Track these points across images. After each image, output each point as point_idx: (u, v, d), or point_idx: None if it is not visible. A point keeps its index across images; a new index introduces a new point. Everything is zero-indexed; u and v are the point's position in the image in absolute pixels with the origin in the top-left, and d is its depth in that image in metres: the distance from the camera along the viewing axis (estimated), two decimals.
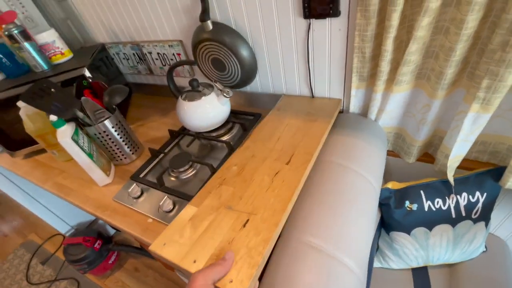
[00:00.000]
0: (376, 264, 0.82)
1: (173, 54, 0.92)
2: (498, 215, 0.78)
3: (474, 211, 0.67)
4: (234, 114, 0.88)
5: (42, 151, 0.97)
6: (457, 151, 0.63)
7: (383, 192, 0.69)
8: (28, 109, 0.79)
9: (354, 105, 0.73)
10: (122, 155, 0.79)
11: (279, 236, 0.53)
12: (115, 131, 0.75)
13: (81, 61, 0.91)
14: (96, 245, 1.30)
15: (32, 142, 0.91)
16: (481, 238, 0.70)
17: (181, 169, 0.71)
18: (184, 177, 0.71)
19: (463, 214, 0.67)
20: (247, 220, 0.49)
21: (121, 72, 1.14)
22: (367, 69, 0.63)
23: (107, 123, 0.73)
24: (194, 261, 0.44)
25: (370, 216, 0.56)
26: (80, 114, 0.68)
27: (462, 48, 0.50)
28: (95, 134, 0.73)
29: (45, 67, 0.89)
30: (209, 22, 0.71)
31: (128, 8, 0.88)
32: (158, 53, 0.95)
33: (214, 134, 0.81)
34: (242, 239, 0.46)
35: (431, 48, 0.56)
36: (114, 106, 0.76)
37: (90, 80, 0.81)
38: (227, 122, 0.81)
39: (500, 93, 0.50)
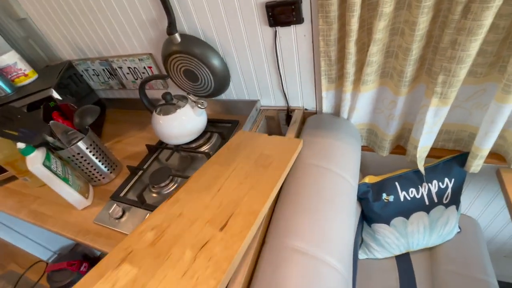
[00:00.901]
0: (362, 256, 0.85)
1: (144, 68, 0.91)
2: (467, 197, 0.84)
3: (445, 196, 0.72)
4: (211, 123, 0.88)
5: (13, 178, 0.92)
6: (424, 142, 0.66)
7: (361, 187, 0.72)
8: None
9: (327, 106, 0.76)
10: (100, 175, 0.77)
11: (263, 243, 0.54)
12: (90, 152, 0.73)
13: (47, 82, 0.88)
14: (82, 268, 1.26)
15: (1, 169, 0.87)
16: (454, 220, 0.75)
17: (162, 184, 0.70)
18: (166, 191, 0.71)
19: (435, 200, 0.72)
20: None
21: (92, 88, 1.10)
22: (334, 71, 0.66)
23: (81, 144, 0.71)
24: None
25: (349, 213, 0.58)
26: (50, 139, 0.66)
27: (417, 47, 0.53)
28: (69, 157, 0.71)
29: (8, 90, 0.85)
30: (176, 35, 0.71)
31: (92, 23, 0.86)
32: (128, 67, 0.94)
33: (193, 145, 0.81)
34: None
35: (390, 48, 0.59)
36: (86, 127, 0.74)
37: (58, 102, 0.78)
38: (205, 132, 0.81)
39: (455, 87, 0.54)
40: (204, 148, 0.81)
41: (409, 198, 0.72)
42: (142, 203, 0.67)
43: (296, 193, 0.58)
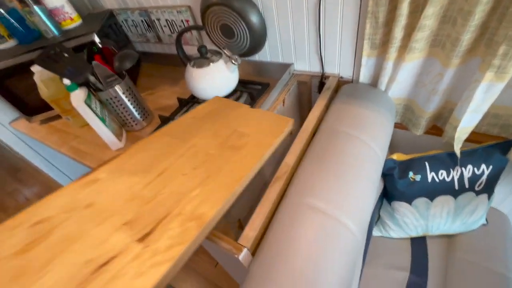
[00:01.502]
0: (377, 233, 0.85)
1: (182, 21, 0.90)
2: (503, 190, 0.79)
3: (478, 183, 0.68)
4: (242, 83, 0.88)
5: (57, 117, 1.00)
6: (466, 123, 0.62)
7: (388, 163, 0.70)
8: (42, 74, 0.81)
9: (364, 75, 0.72)
10: (133, 121, 0.82)
11: (282, 198, 0.55)
12: (126, 97, 0.77)
13: (90, 27, 0.91)
14: None
15: (47, 108, 0.94)
16: (482, 210, 0.71)
17: None
18: None
19: (466, 186, 0.68)
20: None
21: (130, 40, 1.13)
22: (379, 36, 0.61)
23: (118, 88, 0.74)
24: None
25: (372, 183, 0.57)
26: (92, 79, 0.70)
27: (481, 11, 0.47)
28: (107, 100, 0.75)
29: (55, 32, 0.90)
30: None
31: None
32: (166, 20, 0.94)
33: None
34: None
35: (448, 12, 0.53)
36: (124, 72, 0.77)
37: (101, 45, 0.81)
38: (235, 90, 0.81)
39: None
40: None
41: (437, 180, 0.69)
42: None
43: (320, 154, 0.57)
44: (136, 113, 0.81)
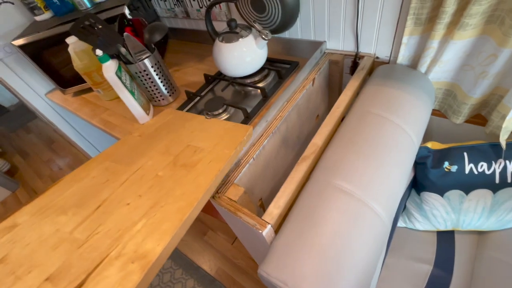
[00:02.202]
0: (400, 223, 0.82)
1: None
2: None
3: None
4: (270, 62, 0.85)
5: (89, 90, 1.04)
6: None
7: (421, 151, 0.66)
8: (76, 46, 0.83)
9: (403, 55, 0.67)
10: (160, 95, 0.82)
11: (308, 179, 0.54)
12: (154, 71, 0.77)
13: (121, 0, 0.91)
14: None
15: (80, 80, 0.98)
16: None
17: (216, 112, 0.73)
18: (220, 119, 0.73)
19: (509, 180, 0.63)
20: None
21: (158, 15, 1.12)
22: (427, 10, 0.56)
23: (147, 62, 0.75)
24: None
25: (404, 169, 0.54)
26: (123, 50, 0.70)
27: None
28: (136, 73, 0.76)
29: (88, 4, 0.91)
30: None
31: None
32: None
33: (248, 80, 0.80)
34: None
35: None
36: (153, 46, 0.77)
37: (132, 16, 0.81)
38: (262, 68, 0.79)
39: None
40: (260, 85, 0.80)
41: (476, 172, 0.64)
42: None
43: (351, 136, 0.55)
44: (163, 88, 0.82)
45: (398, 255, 0.77)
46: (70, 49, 0.83)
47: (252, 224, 0.47)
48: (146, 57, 0.74)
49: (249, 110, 0.71)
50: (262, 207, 0.71)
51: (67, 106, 1.03)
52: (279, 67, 0.83)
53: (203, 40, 1.07)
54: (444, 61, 0.61)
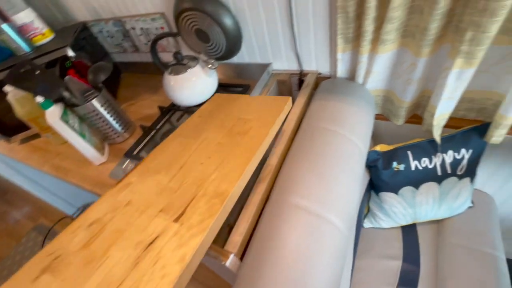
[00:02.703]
0: (368, 224, 0.86)
1: (156, 28, 0.89)
2: (486, 171, 0.80)
3: (460, 167, 0.69)
4: (222, 86, 0.87)
5: (37, 135, 0.98)
6: (442, 109, 0.63)
7: (371, 155, 0.71)
8: (16, 93, 0.79)
9: (341, 70, 0.72)
10: (115, 133, 0.80)
11: (267, 200, 0.55)
12: (105, 109, 0.75)
13: (63, 41, 0.89)
14: None
15: (26, 127, 0.92)
16: (466, 193, 0.73)
17: None
18: None
19: (449, 171, 0.69)
20: None
21: (106, 51, 1.11)
22: (351, 30, 0.62)
23: (95, 102, 0.73)
24: None
25: (356, 177, 0.58)
26: (66, 94, 0.68)
27: None
28: (85, 114, 0.74)
29: (27, 49, 0.88)
30: None
31: None
32: (141, 28, 0.93)
33: None
34: None
35: (415, 2, 0.54)
36: (100, 85, 0.75)
37: (74, 59, 0.80)
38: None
39: (483, 45, 0.49)
40: None
41: (420, 168, 0.70)
42: None
43: (303, 153, 0.57)
44: (116, 126, 0.80)
45: (369, 256, 0.80)
46: (9, 97, 0.79)
47: (215, 256, 0.46)
48: (94, 97, 0.73)
49: None
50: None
51: (13, 155, 0.96)
52: (232, 91, 0.85)
53: (156, 71, 1.07)
54: (376, 72, 0.67)
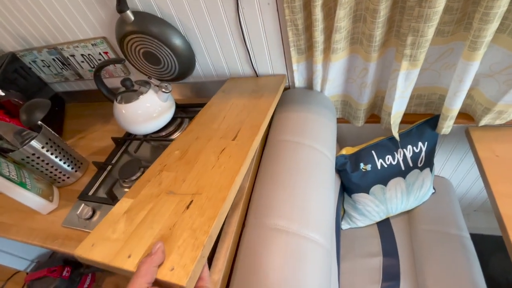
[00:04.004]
0: (345, 226, 0.87)
1: (100, 53, 0.82)
2: (440, 158, 0.87)
3: (419, 160, 0.73)
4: (181, 107, 0.83)
5: None
6: (397, 108, 0.66)
7: (339, 159, 0.72)
8: None
9: (299, 80, 0.73)
10: (64, 175, 0.71)
11: (243, 226, 0.52)
12: (47, 150, 0.66)
13: None
14: (64, 273, 1.20)
15: None
16: (429, 182, 0.78)
17: (133, 178, 0.66)
18: None
19: (411, 164, 0.73)
20: (191, 202, 0.43)
21: (45, 82, 1.00)
22: (303, 41, 0.63)
23: (35, 143, 0.64)
24: (129, 256, 0.37)
25: (328, 185, 0.58)
26: None
27: (384, 8, 0.50)
28: (23, 159, 0.64)
29: None
30: (128, 13, 0.64)
31: (32, 8, 0.76)
32: (82, 55, 0.85)
33: (163, 133, 0.76)
34: (185, 221, 0.40)
35: (358, 12, 0.56)
36: (39, 123, 0.66)
37: (0, 99, 0.69)
38: (174, 118, 0.76)
39: (424, 48, 0.53)
40: (176, 135, 0.77)
41: (385, 166, 0.72)
42: (113, 200, 0.63)
43: (272, 171, 0.56)
44: (65, 166, 0.71)
45: (352, 257, 0.81)
46: None
47: None
48: (32, 139, 0.64)
49: None
50: None
51: None
52: (192, 112, 0.81)
53: (105, 98, 0.99)
54: (331, 79, 0.68)
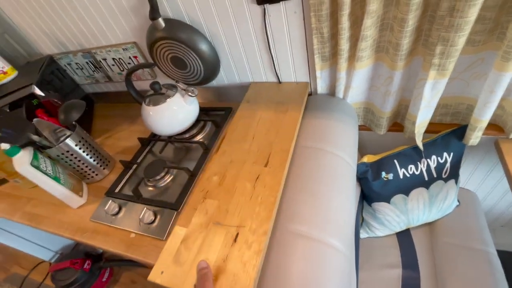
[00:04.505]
0: (364, 235, 0.86)
1: (130, 58, 0.87)
2: (466, 170, 0.84)
3: (444, 171, 0.71)
4: (204, 111, 0.85)
5: (4, 181, 0.89)
6: (422, 117, 0.65)
7: (360, 167, 0.71)
8: None
9: (321, 86, 0.73)
10: (93, 172, 0.75)
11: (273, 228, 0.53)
12: (80, 148, 0.71)
13: (28, 78, 0.84)
14: (85, 266, 1.26)
15: None
16: (453, 194, 0.75)
17: (157, 177, 0.69)
18: (162, 184, 0.69)
19: (435, 175, 0.71)
20: (237, 234, 0.49)
21: (77, 83, 1.06)
22: (328, 49, 0.63)
23: (69, 141, 0.68)
24: (194, 286, 0.44)
25: (349, 194, 0.57)
26: (35, 138, 0.63)
27: (413, 17, 0.50)
28: (58, 156, 0.68)
29: None
30: (160, 20, 0.67)
31: (70, 14, 0.81)
32: (113, 59, 0.90)
33: (186, 135, 0.79)
34: (235, 254, 0.46)
35: (385, 20, 0.56)
36: (74, 123, 0.71)
37: (41, 99, 0.74)
38: (198, 120, 0.78)
39: (453, 58, 0.52)
40: (199, 138, 0.79)
41: (408, 175, 0.71)
42: (138, 198, 0.66)
43: (295, 177, 0.56)
44: (94, 163, 0.75)
45: (370, 267, 0.79)
46: None
47: None
48: (67, 137, 0.68)
49: (192, 165, 0.69)
50: None
51: None
52: (214, 116, 0.84)
53: (131, 100, 1.03)
54: (355, 87, 0.68)
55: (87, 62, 0.95)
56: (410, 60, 0.60)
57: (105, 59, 0.91)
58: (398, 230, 0.82)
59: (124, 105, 1.07)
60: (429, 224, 0.84)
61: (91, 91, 1.12)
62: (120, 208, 0.66)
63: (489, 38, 0.53)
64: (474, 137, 0.65)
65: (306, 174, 0.56)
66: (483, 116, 0.60)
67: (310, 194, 0.53)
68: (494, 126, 0.68)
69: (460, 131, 0.69)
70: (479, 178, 0.85)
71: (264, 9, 0.62)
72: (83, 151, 0.71)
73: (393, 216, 0.76)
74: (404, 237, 0.83)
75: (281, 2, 0.60)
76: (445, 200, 0.75)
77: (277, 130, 0.65)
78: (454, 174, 0.72)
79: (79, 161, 0.71)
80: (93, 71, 0.98)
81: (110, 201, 0.65)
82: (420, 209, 0.75)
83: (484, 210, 0.95)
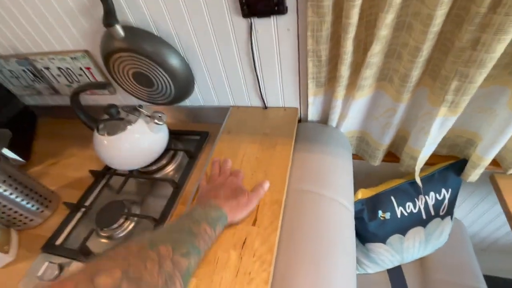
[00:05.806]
0: None
1: (81, 69, 0.70)
2: (457, 201, 0.80)
3: (442, 208, 0.66)
4: (175, 135, 0.71)
5: None
6: (424, 153, 0.59)
7: (356, 206, 0.64)
8: None
9: (313, 113, 0.64)
10: (25, 217, 0.58)
11: None
12: (5, 190, 0.53)
13: None
14: None
15: None
16: (448, 230, 0.71)
17: (114, 226, 0.54)
18: (121, 234, 0.55)
19: (432, 213, 0.66)
20: None
21: (13, 94, 0.85)
22: (324, 74, 0.54)
23: None
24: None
25: (351, 250, 0.49)
26: None
27: (428, 47, 0.43)
28: None
29: None
30: (118, 27, 0.53)
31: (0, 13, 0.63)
32: (59, 68, 0.72)
33: (153, 167, 0.65)
34: None
35: (392, 46, 0.48)
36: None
37: None
38: (167, 149, 0.65)
39: (469, 95, 0.45)
40: (168, 170, 0.66)
41: (406, 214, 0.65)
42: (86, 255, 0.51)
43: (289, 235, 0.46)
44: (29, 206, 0.58)
45: None
46: None
47: None
48: None
49: (160, 207, 0.55)
50: None
51: None
52: (187, 141, 0.71)
53: None
54: (351, 116, 0.60)
55: (24, 70, 0.76)
56: (415, 91, 0.53)
57: (48, 68, 0.73)
58: (390, 267, 0.76)
59: (75, 122, 0.88)
60: (420, 259, 0.79)
61: (32, 103, 0.91)
62: (61, 270, 0.50)
63: (501, 72, 0.48)
64: (474, 174, 0.61)
65: (302, 230, 0.46)
66: (488, 155, 0.55)
67: (310, 259, 0.43)
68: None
69: (458, 165, 0.64)
70: (468, 208, 0.83)
71: (251, 22, 0.51)
72: (10, 193, 0.54)
73: (388, 256, 0.70)
74: (396, 274, 0.77)
75: (271, 17, 0.49)
76: (440, 237, 0.70)
77: (265, 172, 0.53)
78: (450, 210, 0.68)
79: (4, 206, 0.54)
80: (32, 81, 0.79)
81: (47, 263, 0.50)
82: (416, 247, 0.69)
83: (469, 234, 0.94)
